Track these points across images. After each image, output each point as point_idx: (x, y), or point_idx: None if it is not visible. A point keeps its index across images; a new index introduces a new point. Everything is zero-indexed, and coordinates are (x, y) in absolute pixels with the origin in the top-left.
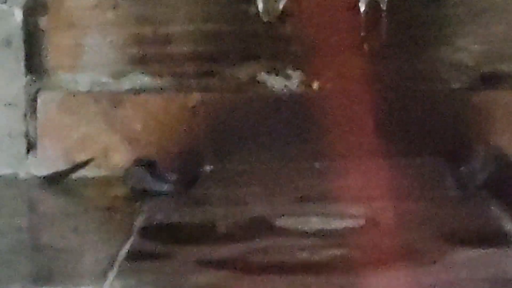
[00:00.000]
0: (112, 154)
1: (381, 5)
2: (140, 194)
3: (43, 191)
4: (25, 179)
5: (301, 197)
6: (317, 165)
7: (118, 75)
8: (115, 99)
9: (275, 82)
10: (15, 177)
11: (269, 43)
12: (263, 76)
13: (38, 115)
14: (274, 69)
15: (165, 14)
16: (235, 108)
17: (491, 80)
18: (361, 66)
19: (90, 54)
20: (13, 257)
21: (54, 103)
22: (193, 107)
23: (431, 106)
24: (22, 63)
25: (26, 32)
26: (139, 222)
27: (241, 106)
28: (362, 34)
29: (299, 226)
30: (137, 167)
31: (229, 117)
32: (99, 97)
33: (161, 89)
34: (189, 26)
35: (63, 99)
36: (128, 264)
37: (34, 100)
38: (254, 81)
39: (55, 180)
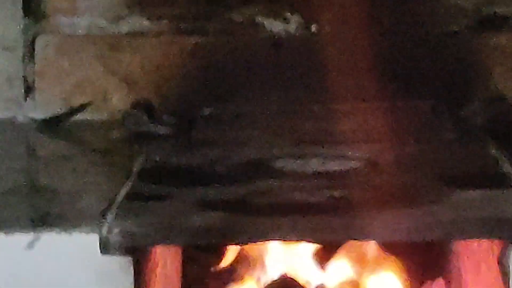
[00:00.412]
0: (110, 97)
1: None
2: (139, 137)
3: (42, 134)
4: (23, 123)
5: (300, 139)
6: (316, 108)
7: (116, 19)
8: (113, 43)
9: (273, 26)
10: (13, 121)
11: None
12: (261, 19)
13: (36, 58)
14: (272, 12)
15: None
16: (233, 51)
17: (490, 23)
18: (359, 9)
19: None
20: (12, 199)
21: (52, 47)
22: (191, 50)
23: (430, 49)
24: (20, 6)
25: None
26: (137, 164)
27: (239, 49)
28: None
29: (298, 168)
30: (135, 110)
31: (227, 60)
32: (97, 41)
33: (159, 32)
34: None
35: (61, 42)
36: (127, 206)
37: (32, 43)
38: (252, 24)
39: (53, 124)
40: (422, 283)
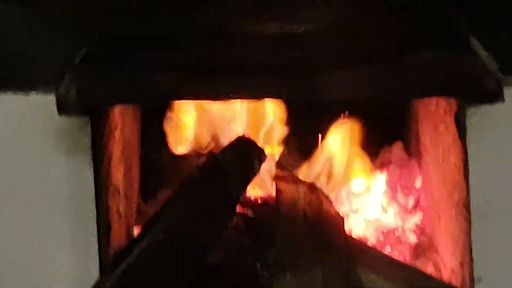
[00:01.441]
0: None
1: None
2: (97, 4)
3: None
4: None
5: (259, 3)
6: None
7: None
8: None
9: None
10: None
11: None
12: None
13: None
14: None
15: None
16: None
17: None
18: None
19: None
20: None
21: None
22: None
23: None
24: None
25: None
26: (96, 29)
27: None
28: None
29: (257, 31)
30: None
31: None
32: None
33: None
34: None
35: None
36: (85, 67)
37: None
38: None
39: None
40: (381, 146)
